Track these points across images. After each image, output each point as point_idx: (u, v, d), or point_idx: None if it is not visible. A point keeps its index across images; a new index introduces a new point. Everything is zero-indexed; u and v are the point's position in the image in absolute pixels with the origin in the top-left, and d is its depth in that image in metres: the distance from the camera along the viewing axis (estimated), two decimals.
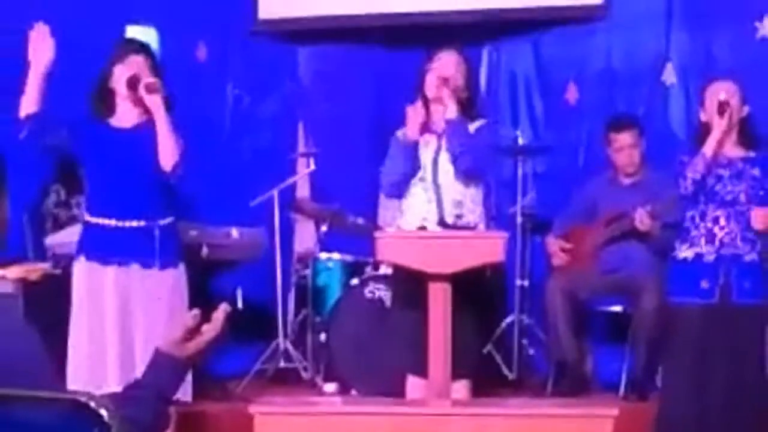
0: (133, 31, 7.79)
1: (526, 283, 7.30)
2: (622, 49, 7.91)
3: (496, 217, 7.12)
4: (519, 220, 7.31)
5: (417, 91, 5.36)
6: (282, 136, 8.48)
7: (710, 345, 5.22)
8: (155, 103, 5.14)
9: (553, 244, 6.95)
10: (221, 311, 2.81)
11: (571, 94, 8.08)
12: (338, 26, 8.30)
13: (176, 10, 8.03)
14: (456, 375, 4.93)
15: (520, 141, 7.57)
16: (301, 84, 8.60)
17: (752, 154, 5.35)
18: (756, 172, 5.29)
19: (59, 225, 6.91)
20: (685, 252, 5.34)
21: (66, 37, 7.01)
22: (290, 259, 7.64)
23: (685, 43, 7.76)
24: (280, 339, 7.13)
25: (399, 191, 5.33)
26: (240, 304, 7.44)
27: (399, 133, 5.35)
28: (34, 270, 6.38)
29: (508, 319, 7.21)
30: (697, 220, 5.32)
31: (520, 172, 7.41)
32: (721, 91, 5.27)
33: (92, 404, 2.46)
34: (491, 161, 5.69)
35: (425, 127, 5.30)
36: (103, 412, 2.43)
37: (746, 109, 5.34)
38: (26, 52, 5.13)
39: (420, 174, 5.29)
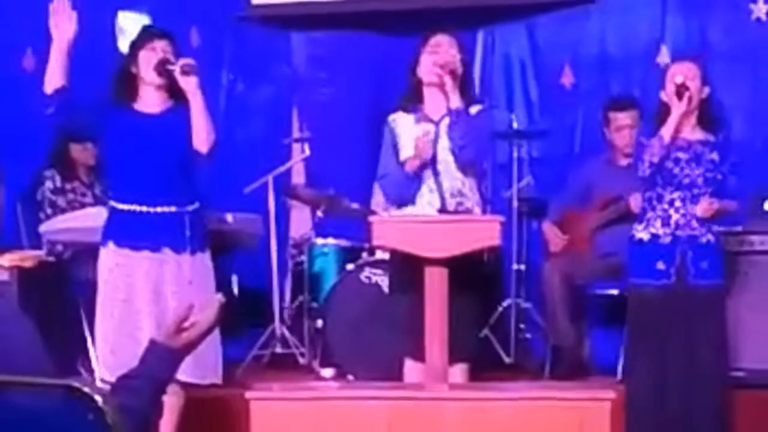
0: (125, 17, 7.77)
1: (522, 267, 7.30)
2: (617, 32, 7.90)
3: (492, 201, 7.11)
4: (515, 204, 7.30)
5: (409, 76, 5.31)
6: (276, 122, 8.46)
7: (668, 326, 5.24)
8: (192, 84, 5.14)
9: (550, 229, 6.95)
10: (215, 301, 2.82)
11: (567, 77, 8.07)
12: (331, 11, 8.28)
13: None
14: (453, 359, 4.92)
15: (516, 125, 7.56)
16: (295, 69, 8.57)
17: (711, 137, 5.34)
18: (714, 156, 5.29)
19: (56, 211, 6.87)
20: (641, 233, 5.35)
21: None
22: (286, 244, 7.63)
23: (679, 26, 7.76)
24: (277, 325, 7.13)
25: (401, 197, 5.26)
26: (236, 290, 7.43)
27: (391, 119, 5.31)
28: (29, 257, 6.38)
29: (505, 303, 7.21)
30: (654, 202, 5.33)
31: (515, 156, 7.41)
32: (679, 73, 5.24)
33: (87, 390, 2.46)
34: (490, 148, 5.66)
35: (422, 115, 5.25)
36: (98, 398, 2.43)
37: (706, 91, 5.31)
38: None
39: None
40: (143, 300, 5.13)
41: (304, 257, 7.17)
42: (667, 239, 5.28)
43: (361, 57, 8.38)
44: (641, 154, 5.25)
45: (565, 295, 6.61)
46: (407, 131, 5.23)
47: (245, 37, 8.40)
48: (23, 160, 7.36)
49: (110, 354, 5.13)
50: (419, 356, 4.96)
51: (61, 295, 6.44)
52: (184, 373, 5.04)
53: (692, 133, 5.33)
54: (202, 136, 5.18)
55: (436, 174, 5.18)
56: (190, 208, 5.26)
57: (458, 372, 5.10)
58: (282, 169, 7.61)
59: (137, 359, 4.98)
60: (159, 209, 5.18)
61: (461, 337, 4.97)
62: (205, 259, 5.30)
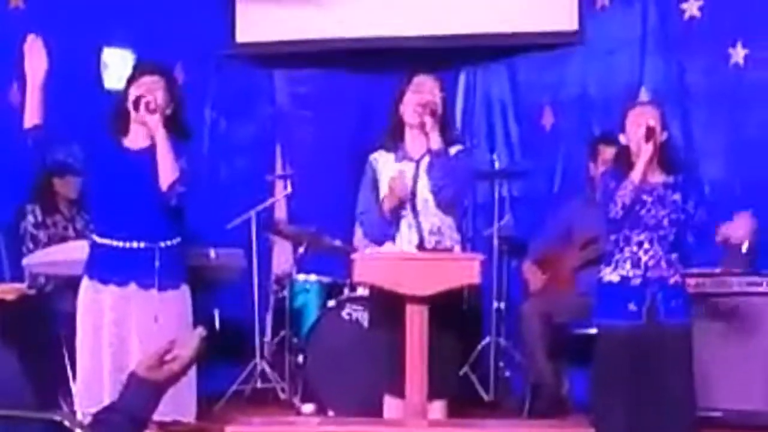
0: (110, 54, 7.82)
1: (502, 305, 7.34)
2: (597, 74, 7.99)
3: (473, 240, 7.17)
4: (495, 242, 7.35)
5: (391, 115, 5.36)
6: (259, 159, 8.51)
7: (639, 365, 5.27)
8: (153, 121, 5.15)
9: (529, 268, 7.00)
10: (196, 335, 2.82)
11: (547, 118, 8.15)
12: (315, 50, 8.34)
13: (154, 33, 8.05)
14: (432, 395, 4.95)
15: (497, 165, 7.62)
16: (279, 107, 8.63)
17: (671, 179, 5.41)
18: (677, 197, 5.36)
19: (37, 245, 6.90)
20: (610, 275, 5.39)
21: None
22: (268, 280, 7.66)
23: (658, 69, 7.84)
24: (258, 360, 7.16)
25: (380, 236, 5.29)
26: (217, 325, 7.45)
27: (372, 158, 5.35)
28: (11, 290, 6.38)
29: (485, 341, 7.25)
30: (621, 243, 5.37)
31: (496, 195, 7.47)
32: (648, 117, 5.32)
33: (67, 424, 2.47)
34: (469, 188, 5.68)
35: (402, 154, 5.30)
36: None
37: (665, 135, 5.39)
38: None
39: None
40: (107, 334, 5.15)
41: (285, 293, 7.20)
42: (638, 280, 5.33)
43: (343, 95, 8.44)
44: (612, 196, 5.31)
45: (544, 333, 6.65)
46: (388, 170, 5.27)
47: (230, 75, 8.45)
48: (6, 193, 7.38)
49: (84, 387, 5.17)
50: (398, 392, 4.99)
51: (42, 328, 6.44)
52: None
53: (654, 176, 5.40)
54: (162, 174, 5.18)
55: (415, 212, 5.22)
56: (163, 244, 5.26)
57: (437, 409, 5.12)
58: (265, 205, 7.67)
59: (104, 392, 5.03)
60: (129, 244, 5.20)
61: (440, 374, 5.00)
62: (177, 295, 5.29)
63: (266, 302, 7.47)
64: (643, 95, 7.71)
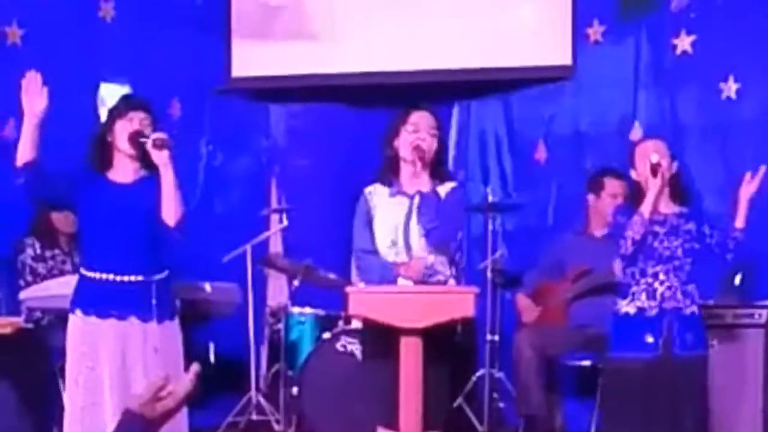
0: (107, 89, 7.86)
1: (496, 337, 7.35)
2: (590, 108, 8.02)
3: (467, 273, 7.19)
4: (489, 275, 7.38)
5: (387, 149, 5.40)
6: (255, 193, 8.54)
7: (655, 397, 5.29)
8: (163, 158, 5.14)
9: (522, 300, 7.03)
10: (192, 371, 2.83)
11: (540, 153, 8.18)
12: (310, 85, 8.38)
13: (150, 68, 8.09)
14: (425, 427, 4.96)
15: (490, 198, 7.65)
16: (274, 141, 8.68)
17: (685, 209, 5.45)
18: (690, 226, 5.39)
19: (36, 279, 6.92)
20: (626, 307, 5.41)
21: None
22: (263, 313, 7.68)
23: (651, 103, 7.88)
24: (253, 392, 7.17)
25: (376, 278, 5.28)
26: (212, 358, 7.46)
27: (367, 192, 5.38)
28: (7, 324, 6.39)
29: (479, 373, 7.26)
30: (637, 276, 5.40)
31: (490, 228, 7.49)
32: (652, 152, 5.36)
33: None
34: (461, 224, 5.70)
35: (397, 189, 5.33)
36: None
37: (675, 165, 5.43)
38: None
39: (392, 237, 5.31)
40: (108, 368, 5.12)
41: (280, 325, 7.22)
42: (654, 311, 5.34)
43: (339, 130, 8.49)
44: (622, 232, 5.34)
45: (538, 365, 6.66)
46: (383, 204, 5.31)
47: (225, 109, 8.49)
48: (3, 227, 7.40)
49: (78, 422, 5.12)
50: (392, 424, 5.00)
51: (38, 362, 6.45)
52: None
53: (666, 206, 5.44)
54: (170, 210, 5.19)
55: (408, 249, 5.25)
56: (158, 277, 5.25)
57: None
58: (260, 238, 7.69)
59: (102, 428, 5.03)
60: (126, 278, 5.19)
61: (434, 406, 5.02)
62: (173, 327, 5.29)
63: (261, 335, 7.48)
64: (637, 130, 7.76)
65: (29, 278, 6.95)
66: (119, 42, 8.11)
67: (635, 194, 5.45)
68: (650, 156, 5.32)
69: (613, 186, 6.87)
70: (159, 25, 8.23)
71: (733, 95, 7.62)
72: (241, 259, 7.43)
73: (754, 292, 6.64)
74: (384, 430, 5.20)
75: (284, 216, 7.79)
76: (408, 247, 5.22)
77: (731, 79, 7.61)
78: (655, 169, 5.28)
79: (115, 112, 5.30)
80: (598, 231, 6.94)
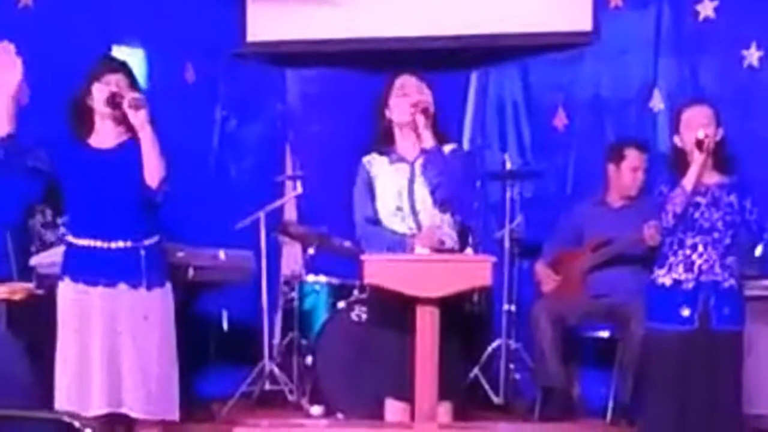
0: (120, 52, 7.79)
1: (513, 307, 7.30)
2: (610, 75, 7.95)
3: (484, 242, 7.13)
4: (507, 244, 7.31)
5: (378, 118, 5.34)
6: (269, 159, 8.49)
7: (690, 371, 5.21)
8: (140, 118, 5.06)
9: (542, 269, 6.96)
10: None
11: (560, 119, 8.11)
12: (326, 50, 8.31)
13: (164, 32, 8.03)
14: (441, 398, 4.92)
15: (508, 166, 7.57)
16: (289, 106, 8.61)
17: (727, 180, 5.35)
18: (732, 198, 5.29)
19: (45, 245, 6.87)
20: (663, 278, 5.33)
21: (52, 57, 7.02)
22: (277, 281, 7.64)
23: (672, 70, 7.80)
24: (266, 361, 7.12)
25: (378, 247, 5.21)
26: (226, 326, 7.42)
27: (366, 161, 5.32)
28: (19, 290, 6.36)
29: (495, 344, 7.21)
30: (675, 246, 5.31)
31: (507, 196, 7.42)
32: (700, 125, 5.23)
33: (77, 425, 2.45)
34: (468, 186, 5.64)
35: (396, 156, 5.27)
36: (88, 431, 2.41)
37: (721, 132, 5.31)
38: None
39: (396, 203, 5.25)
40: (97, 335, 5.08)
41: (294, 294, 7.17)
42: (691, 284, 5.25)
43: (355, 95, 8.39)
44: (664, 204, 5.24)
45: (556, 336, 6.61)
46: (383, 173, 5.25)
47: (240, 74, 8.43)
48: (15, 193, 7.35)
49: (67, 391, 5.07)
50: (400, 395, 4.96)
51: (49, 328, 6.42)
52: (131, 409, 5.02)
53: (709, 176, 5.32)
54: (152, 171, 5.10)
55: (414, 213, 5.20)
56: (147, 242, 5.19)
57: (442, 411, 5.09)
58: (274, 205, 7.62)
59: (94, 394, 4.97)
60: (114, 244, 5.13)
61: (449, 377, 4.97)
62: (163, 293, 5.22)
63: (275, 303, 7.43)
64: (657, 97, 7.67)
65: (38, 244, 6.91)
66: (133, 5, 8.03)
67: (678, 161, 5.32)
68: (697, 129, 5.19)
69: (633, 158, 6.80)
70: None
71: (755, 63, 7.53)
72: (255, 226, 7.36)
73: None
74: (392, 400, 5.15)
75: (299, 183, 7.71)
76: (414, 211, 5.17)
77: (753, 46, 7.53)
78: (701, 144, 5.17)
79: (92, 75, 5.19)
80: (617, 202, 6.86)
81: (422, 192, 5.17)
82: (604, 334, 6.75)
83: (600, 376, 6.80)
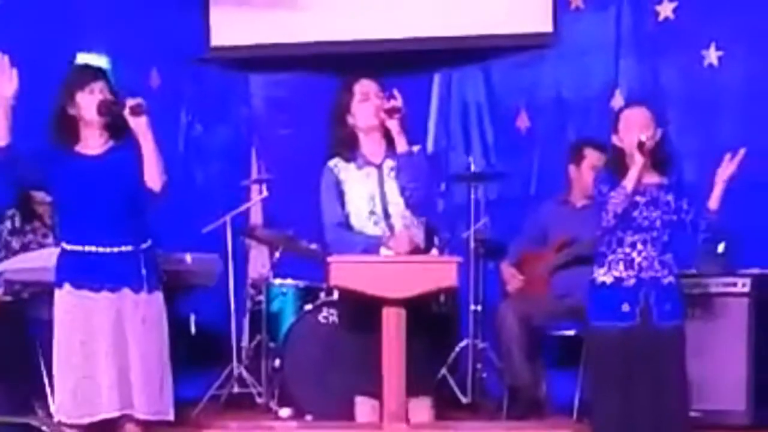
0: (85, 59, 7.79)
1: (479, 307, 7.34)
2: (572, 76, 8.00)
3: (450, 243, 7.16)
4: (472, 245, 7.35)
5: (340, 124, 5.36)
6: (235, 163, 8.50)
7: (634, 367, 5.28)
8: (141, 124, 5.10)
9: (507, 269, 7.00)
10: None
11: (522, 121, 8.16)
12: (291, 53, 8.33)
13: (128, 38, 8.03)
14: (416, 392, 4.98)
15: (473, 168, 7.61)
16: (254, 111, 8.63)
17: (665, 180, 5.42)
18: (669, 198, 5.37)
19: (11, 252, 6.86)
20: (603, 277, 5.39)
21: (15, 64, 7.01)
22: (244, 284, 7.65)
23: (633, 71, 7.86)
24: (234, 364, 7.14)
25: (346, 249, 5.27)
26: (193, 330, 7.43)
27: (332, 165, 5.35)
28: None
29: (462, 344, 7.24)
30: (614, 245, 5.37)
31: (472, 198, 7.46)
32: (639, 124, 5.30)
33: (45, 429, 2.48)
34: (434, 188, 5.70)
35: (363, 161, 5.30)
36: None
37: (660, 133, 5.39)
38: None
39: (369, 207, 5.29)
40: (103, 341, 5.10)
41: (262, 297, 7.19)
42: (632, 281, 5.32)
43: (319, 99, 8.38)
44: (604, 204, 5.31)
45: (522, 335, 6.65)
46: (351, 178, 5.31)
47: (205, 79, 8.44)
48: None
49: (71, 398, 5.08)
50: (369, 392, 4.99)
51: (18, 335, 6.42)
52: (140, 411, 5.06)
53: (648, 176, 5.40)
54: (154, 175, 5.16)
55: (387, 217, 5.23)
56: (144, 246, 5.24)
57: (423, 406, 5.14)
58: (240, 209, 7.65)
59: (103, 399, 5.01)
60: (116, 249, 5.16)
61: (425, 372, 5.03)
62: (159, 297, 5.28)
63: (243, 307, 7.45)
64: (618, 97, 7.73)
65: (4, 252, 6.89)
66: (97, 12, 8.03)
67: (617, 161, 5.40)
68: (638, 131, 5.26)
69: (593, 158, 6.84)
70: None
71: (715, 62, 7.60)
72: (221, 229, 7.38)
73: (737, 261, 6.62)
74: (362, 397, 5.19)
75: (264, 186, 7.74)
76: (387, 215, 5.21)
77: (713, 46, 7.59)
78: (642, 146, 5.24)
79: (74, 84, 5.21)
80: (579, 201, 6.92)
81: (394, 195, 5.21)
82: (570, 332, 6.79)
83: (566, 374, 6.83)
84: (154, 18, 8.17)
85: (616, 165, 5.39)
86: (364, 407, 5.18)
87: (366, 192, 5.26)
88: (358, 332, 5.20)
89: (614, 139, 5.41)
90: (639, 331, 5.29)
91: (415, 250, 5.16)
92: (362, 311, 5.04)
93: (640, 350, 5.28)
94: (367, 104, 5.25)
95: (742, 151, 5.37)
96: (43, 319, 6.00)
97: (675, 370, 5.30)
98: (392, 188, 5.21)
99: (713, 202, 5.35)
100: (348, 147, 5.33)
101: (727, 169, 5.37)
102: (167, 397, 5.22)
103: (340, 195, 5.30)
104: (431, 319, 5.17)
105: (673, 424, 5.29)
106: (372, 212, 5.25)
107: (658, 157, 5.38)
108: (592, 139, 6.94)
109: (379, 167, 5.26)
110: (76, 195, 5.18)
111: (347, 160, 5.32)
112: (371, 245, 5.16)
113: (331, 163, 5.34)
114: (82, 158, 5.20)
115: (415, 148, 5.27)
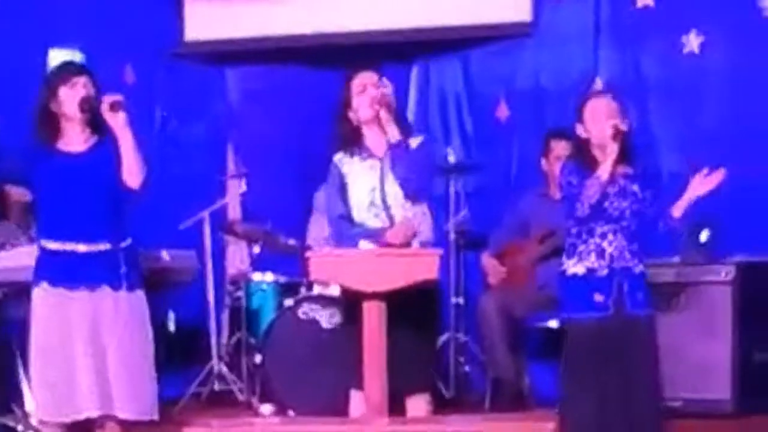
0: (58, 54, 7.71)
1: (461, 300, 7.31)
2: (551, 65, 7.95)
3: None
4: (452, 237, 7.31)
5: (342, 120, 5.33)
6: (211, 158, 8.45)
7: (607, 357, 5.25)
8: (120, 120, 5.07)
9: (488, 261, 6.96)
10: None
11: (502, 111, 8.11)
12: (266, 47, 8.28)
13: (102, 33, 7.96)
14: (412, 391, 4.93)
15: (452, 159, 7.57)
16: (230, 105, 8.57)
17: (630, 170, 5.38)
18: (635, 188, 5.34)
19: None
20: (574, 268, 5.35)
21: None
22: (223, 281, 7.61)
23: (613, 59, 7.82)
24: (215, 361, 7.12)
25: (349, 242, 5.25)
26: (172, 328, 7.38)
27: (337, 159, 5.33)
28: None
29: (444, 337, 7.20)
30: (585, 236, 5.34)
31: (452, 189, 7.43)
32: (604, 116, 5.26)
33: (20, 429, 2.42)
34: (433, 177, 5.70)
35: (367, 154, 5.27)
36: None
37: (627, 124, 5.34)
38: None
39: (369, 199, 5.26)
40: (80, 340, 5.06)
41: (241, 293, 7.15)
42: (605, 271, 5.30)
43: (295, 92, 8.38)
44: (578, 195, 5.26)
45: (504, 327, 6.62)
46: (354, 171, 5.29)
47: (179, 74, 8.38)
48: None
49: (49, 396, 5.06)
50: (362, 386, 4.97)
51: None
52: (121, 410, 5.01)
53: (616, 167, 5.36)
54: (133, 172, 5.13)
55: (387, 208, 5.20)
56: (124, 244, 5.21)
57: (422, 403, 5.12)
58: (218, 205, 7.59)
59: (82, 399, 4.96)
60: (94, 247, 5.12)
61: (418, 368, 5.01)
62: (140, 295, 5.24)
63: (222, 303, 7.40)
64: (598, 86, 7.69)
65: None
66: (70, 7, 7.96)
67: (582, 151, 5.35)
68: (605, 121, 5.22)
69: (558, 147, 6.79)
70: None
71: (695, 49, 7.56)
72: (198, 225, 7.33)
73: (720, 249, 6.59)
74: (356, 391, 5.15)
75: (242, 181, 7.68)
76: (386, 206, 5.19)
77: (693, 32, 7.55)
78: (616, 134, 5.20)
79: (57, 80, 5.18)
80: (557, 193, 6.86)
81: (393, 186, 5.19)
82: (553, 324, 6.75)
83: (549, 366, 6.79)
84: (127, 13, 8.11)
85: (581, 155, 5.35)
86: (358, 399, 5.14)
87: (368, 184, 5.28)
88: (349, 327, 5.18)
89: (579, 129, 5.37)
90: (612, 321, 5.27)
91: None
92: (351, 303, 5.03)
93: (614, 340, 5.27)
94: (364, 96, 5.24)
95: (722, 171, 5.31)
96: (18, 318, 5.95)
97: (648, 359, 5.28)
98: (391, 179, 5.20)
99: (677, 211, 5.31)
100: (351, 141, 5.32)
101: (702, 185, 5.31)
102: (151, 397, 5.20)
103: (343, 188, 5.30)
104: (413, 312, 5.12)
105: (646, 414, 5.26)
106: (372, 203, 5.23)
107: (626, 148, 5.34)
108: (556, 130, 6.89)
109: (382, 159, 5.25)
110: (57, 193, 5.15)
111: (352, 155, 5.29)
112: (370, 237, 5.14)
113: (336, 157, 5.36)
114: (65, 155, 5.17)
115: (415, 141, 5.25)
